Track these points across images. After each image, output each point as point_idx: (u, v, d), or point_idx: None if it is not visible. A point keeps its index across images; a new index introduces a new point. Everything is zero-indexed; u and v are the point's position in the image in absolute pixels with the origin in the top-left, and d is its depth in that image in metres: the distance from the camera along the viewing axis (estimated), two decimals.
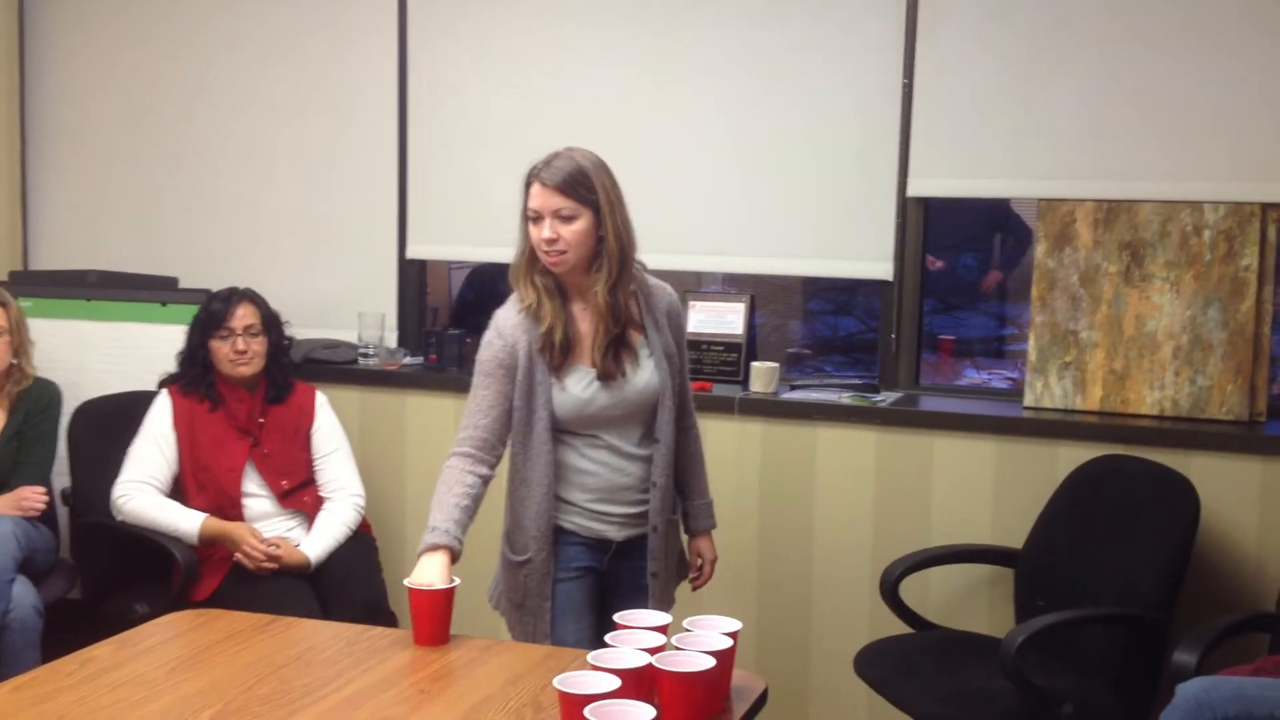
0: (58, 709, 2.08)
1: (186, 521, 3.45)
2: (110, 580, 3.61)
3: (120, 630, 2.48)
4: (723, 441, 3.61)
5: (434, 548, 2.49)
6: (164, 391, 3.63)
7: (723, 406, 3.64)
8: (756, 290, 4.03)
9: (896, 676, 3.05)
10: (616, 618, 2.23)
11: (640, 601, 2.64)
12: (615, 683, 1.95)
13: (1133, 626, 2.93)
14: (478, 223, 4.07)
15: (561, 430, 2.66)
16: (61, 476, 3.77)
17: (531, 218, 2.61)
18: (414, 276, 4.24)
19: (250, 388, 3.63)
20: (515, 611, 2.72)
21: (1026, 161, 3.57)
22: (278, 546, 3.42)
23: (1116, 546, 3.08)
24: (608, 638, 2.13)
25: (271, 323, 3.67)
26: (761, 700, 2.22)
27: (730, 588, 3.53)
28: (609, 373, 2.64)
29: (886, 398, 3.65)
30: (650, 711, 1.87)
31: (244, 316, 3.59)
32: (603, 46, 3.93)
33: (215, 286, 3.76)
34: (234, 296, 3.63)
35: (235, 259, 4.25)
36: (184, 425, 3.56)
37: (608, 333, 2.63)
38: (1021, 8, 3.53)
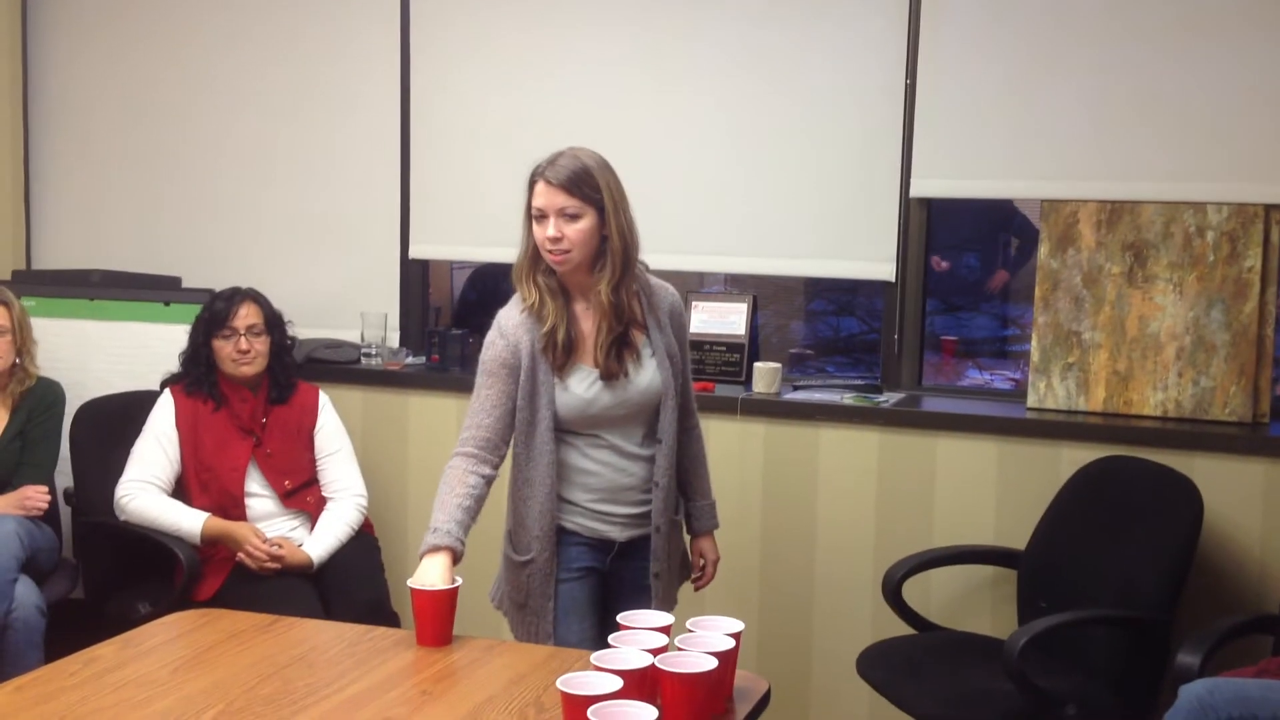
0: (61, 709, 2.08)
1: (189, 521, 3.45)
2: (113, 580, 3.61)
3: (123, 630, 2.48)
4: (725, 442, 3.61)
5: (436, 548, 2.48)
6: (167, 391, 3.63)
7: (725, 407, 3.64)
8: (758, 291, 4.03)
9: (899, 677, 3.05)
10: (619, 618, 2.23)
11: (643, 602, 2.64)
12: (618, 683, 1.94)
13: (1135, 628, 2.93)
14: (480, 223, 4.08)
15: (564, 430, 2.66)
16: (64, 476, 3.77)
17: (536, 216, 2.61)
18: (416, 276, 4.25)
19: (253, 387, 3.63)
20: (518, 612, 2.72)
21: (1029, 162, 3.56)
22: (280, 546, 3.42)
23: (1119, 548, 3.08)
24: (610, 638, 2.13)
25: (274, 322, 3.67)
26: (764, 701, 2.22)
27: (733, 588, 3.53)
28: (611, 372, 2.64)
29: (889, 398, 3.64)
30: (653, 712, 1.86)
31: (247, 316, 3.59)
32: (604, 46, 3.93)
33: (218, 286, 3.76)
34: (237, 296, 3.63)
35: (238, 259, 4.25)
36: (187, 425, 3.56)
37: (610, 332, 2.63)
38: (1024, 7, 3.53)
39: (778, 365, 3.73)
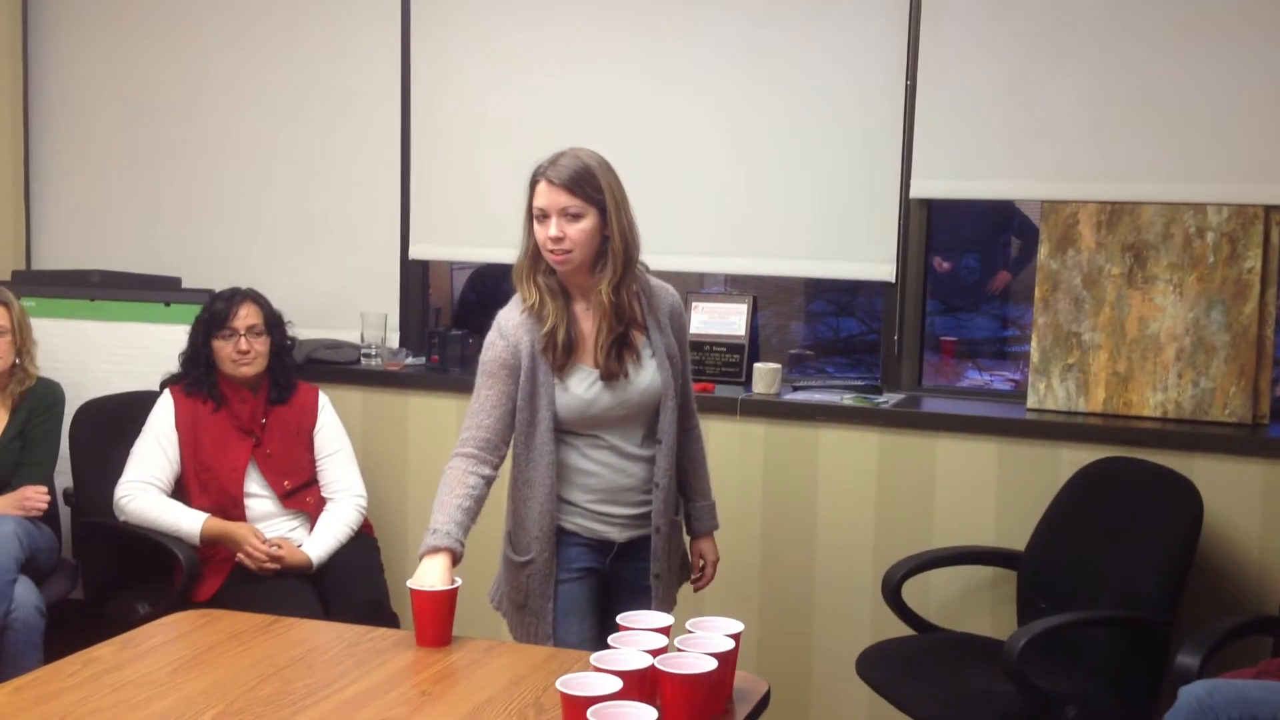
0: (60, 709, 2.08)
1: (188, 522, 3.45)
2: (112, 580, 3.61)
3: (122, 630, 2.48)
4: (725, 442, 3.61)
5: (435, 549, 2.48)
6: (167, 391, 3.63)
7: (725, 407, 3.64)
8: (758, 291, 4.03)
9: (899, 678, 3.04)
10: (619, 619, 2.23)
11: (643, 603, 2.65)
12: (617, 684, 1.94)
13: (1135, 629, 2.93)
14: (480, 223, 4.08)
15: (564, 431, 2.66)
16: (64, 476, 3.77)
17: (537, 216, 2.61)
18: (416, 277, 4.25)
19: (253, 388, 3.63)
20: (517, 612, 2.72)
21: (1029, 162, 3.56)
22: (280, 547, 3.42)
23: (1119, 548, 3.08)
24: (610, 639, 2.13)
25: (274, 323, 3.67)
26: (764, 702, 2.22)
27: (732, 589, 3.53)
28: (612, 373, 2.64)
29: (889, 399, 3.64)
30: (652, 713, 1.86)
31: (247, 316, 3.59)
32: (604, 46, 3.93)
33: (218, 286, 3.76)
34: (237, 296, 3.63)
35: (238, 259, 4.25)
36: (186, 425, 3.56)
37: (610, 332, 2.63)
38: (1024, 7, 3.53)
39: (777, 366, 3.73)
